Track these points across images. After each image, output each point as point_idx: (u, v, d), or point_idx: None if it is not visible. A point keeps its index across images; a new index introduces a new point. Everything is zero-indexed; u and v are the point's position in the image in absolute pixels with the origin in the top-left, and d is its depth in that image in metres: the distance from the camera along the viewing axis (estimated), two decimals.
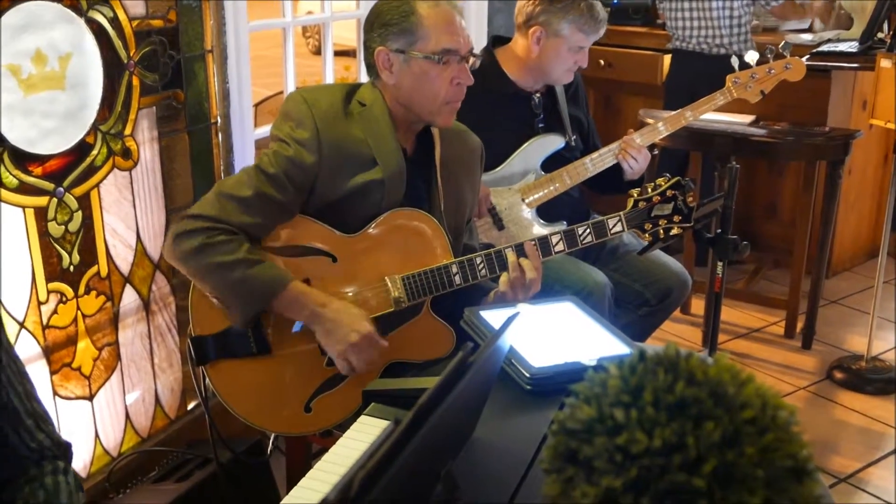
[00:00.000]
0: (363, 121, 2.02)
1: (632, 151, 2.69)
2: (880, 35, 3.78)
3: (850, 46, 3.95)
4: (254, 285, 1.89)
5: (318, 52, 9.02)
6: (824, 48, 4.01)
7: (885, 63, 3.25)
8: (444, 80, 1.99)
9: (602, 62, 4.53)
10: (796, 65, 2.82)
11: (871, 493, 2.78)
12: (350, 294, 1.99)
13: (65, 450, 1.43)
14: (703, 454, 0.74)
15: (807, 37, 4.35)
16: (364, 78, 2.12)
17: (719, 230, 2.49)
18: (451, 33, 1.98)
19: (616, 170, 2.74)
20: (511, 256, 2.00)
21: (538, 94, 2.75)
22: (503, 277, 1.99)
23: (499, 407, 1.44)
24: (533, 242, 2.05)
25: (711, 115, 3.77)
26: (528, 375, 1.49)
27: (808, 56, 3.83)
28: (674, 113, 2.87)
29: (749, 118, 3.70)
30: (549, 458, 0.82)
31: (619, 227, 2.12)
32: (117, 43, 2.32)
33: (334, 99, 2.03)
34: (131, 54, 2.36)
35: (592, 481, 0.77)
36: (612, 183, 2.79)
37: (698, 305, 3.98)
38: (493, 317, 1.70)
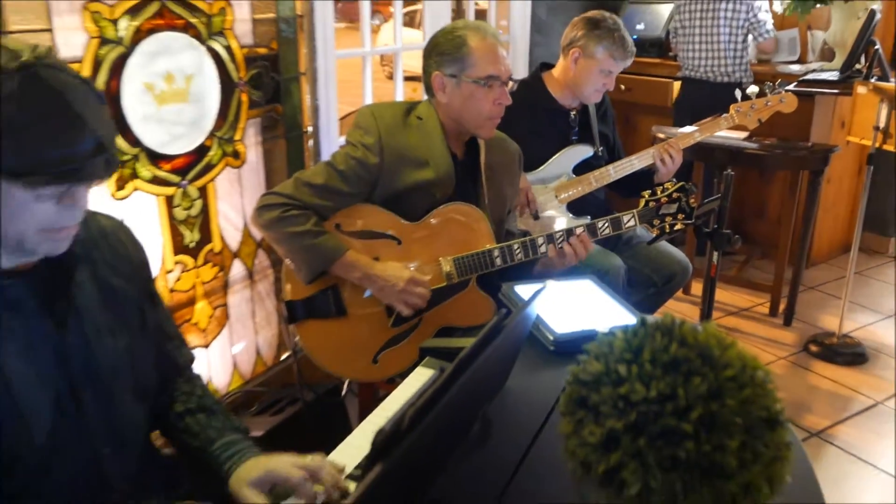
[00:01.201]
0: (420, 131, 2.02)
1: (671, 151, 2.64)
2: (858, 66, 3.67)
3: (832, 75, 3.84)
4: (318, 251, 1.90)
5: (392, 77, 9.02)
6: (810, 76, 3.90)
7: (861, 89, 3.16)
8: (488, 100, 1.98)
9: (622, 86, 4.46)
10: (790, 99, 2.74)
11: (838, 446, 2.72)
12: (411, 270, 2.00)
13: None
14: (691, 404, 0.74)
15: (795, 67, 4.24)
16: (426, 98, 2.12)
17: (716, 226, 2.43)
18: (495, 62, 1.97)
19: (640, 178, 2.70)
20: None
21: (574, 112, 2.72)
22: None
23: (528, 364, 1.44)
24: (582, 229, 2.04)
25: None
26: (552, 339, 1.48)
27: (795, 83, 3.74)
28: (687, 133, 2.82)
29: (744, 134, 3.61)
30: (565, 404, 0.82)
31: (632, 223, 2.10)
32: (230, 66, 2.35)
33: (396, 113, 2.03)
34: (241, 75, 2.39)
35: (599, 423, 0.77)
36: (636, 188, 2.74)
37: (697, 287, 3.91)
38: (524, 291, 1.69)
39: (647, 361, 0.77)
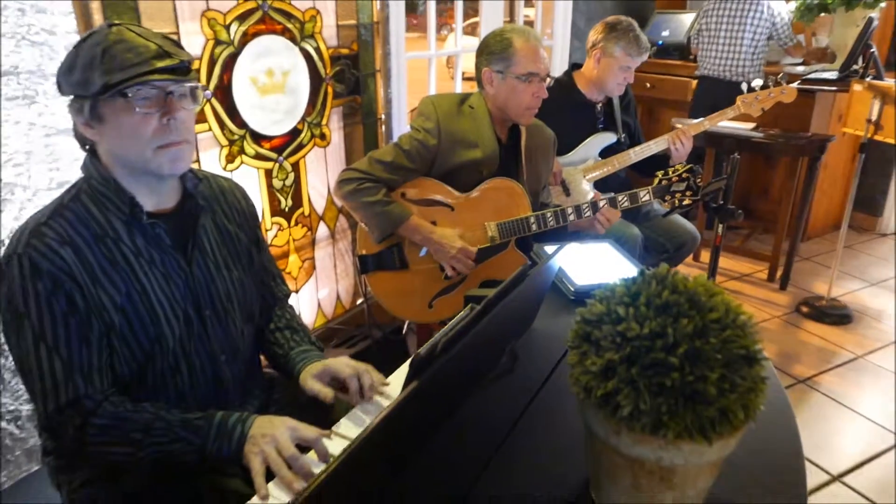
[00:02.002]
0: (471, 118, 1.98)
1: (682, 138, 2.55)
2: (855, 67, 3.44)
3: (831, 74, 3.62)
4: (387, 217, 1.90)
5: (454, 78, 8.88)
6: (812, 76, 3.69)
7: (857, 87, 2.97)
8: (528, 93, 1.93)
9: (648, 84, 4.31)
10: (790, 91, 2.60)
11: (821, 392, 2.61)
12: (460, 232, 1.98)
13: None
14: (678, 341, 0.71)
15: (800, 68, 4.01)
16: None
17: (721, 202, 2.34)
18: (535, 61, 1.92)
19: (657, 160, 2.60)
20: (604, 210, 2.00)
21: (600, 104, 2.64)
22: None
23: (551, 310, 1.42)
24: (604, 202, 2.00)
25: (724, 122, 3.54)
26: (572, 290, 1.46)
27: (799, 81, 3.54)
28: (697, 122, 2.71)
29: (751, 125, 3.45)
30: (572, 339, 0.80)
31: (647, 197, 2.05)
32: (319, 64, 2.35)
33: (452, 102, 2.00)
34: (327, 72, 2.39)
35: (599, 354, 0.75)
36: (654, 170, 2.67)
37: (706, 256, 3.79)
38: (551, 250, 1.65)
39: (643, 304, 0.74)
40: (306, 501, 0.57)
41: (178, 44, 1.10)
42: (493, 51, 1.94)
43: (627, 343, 0.72)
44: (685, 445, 0.71)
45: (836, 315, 3.16)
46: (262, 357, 1.39)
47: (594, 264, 1.63)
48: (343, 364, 1.19)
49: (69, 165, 1.72)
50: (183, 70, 1.07)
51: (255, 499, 0.98)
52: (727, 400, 0.69)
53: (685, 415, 0.69)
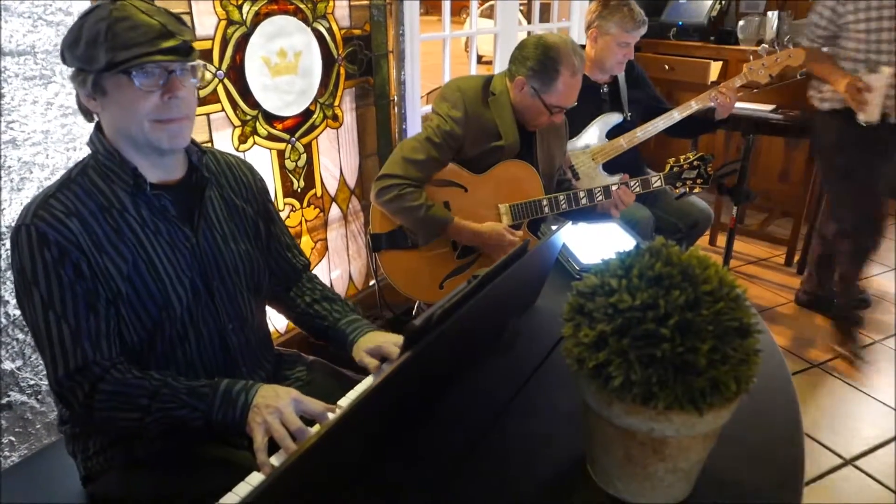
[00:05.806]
0: (495, 106, 1.97)
1: (728, 91, 2.48)
2: None
3: None
4: (432, 221, 1.91)
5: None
6: None
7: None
8: (547, 116, 1.94)
9: (667, 66, 4.24)
10: (796, 53, 2.51)
11: (836, 376, 2.59)
12: (501, 224, 1.99)
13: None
14: (670, 312, 0.71)
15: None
16: None
17: (736, 183, 2.32)
18: (570, 98, 1.91)
19: (699, 120, 2.55)
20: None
21: (605, 85, 2.60)
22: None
23: (556, 288, 1.41)
24: (616, 187, 1.99)
25: (742, 103, 3.47)
26: (577, 268, 1.46)
27: None
28: (705, 93, 2.65)
29: (771, 106, 3.39)
30: (566, 311, 0.81)
31: (658, 183, 2.06)
32: (331, 45, 2.35)
33: (477, 88, 1.98)
34: (340, 52, 2.39)
35: (592, 326, 0.75)
36: (695, 131, 2.65)
37: (723, 240, 3.75)
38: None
39: (636, 276, 0.74)
40: (292, 466, 0.59)
41: (181, 20, 1.10)
42: (538, 70, 1.89)
43: (619, 314, 0.72)
44: (676, 416, 0.72)
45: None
46: (269, 332, 1.41)
47: (600, 243, 1.63)
48: (392, 344, 1.23)
49: (86, 145, 1.75)
50: (185, 50, 1.08)
51: (254, 472, 0.99)
52: (718, 371, 0.70)
53: (675, 385, 0.69)
